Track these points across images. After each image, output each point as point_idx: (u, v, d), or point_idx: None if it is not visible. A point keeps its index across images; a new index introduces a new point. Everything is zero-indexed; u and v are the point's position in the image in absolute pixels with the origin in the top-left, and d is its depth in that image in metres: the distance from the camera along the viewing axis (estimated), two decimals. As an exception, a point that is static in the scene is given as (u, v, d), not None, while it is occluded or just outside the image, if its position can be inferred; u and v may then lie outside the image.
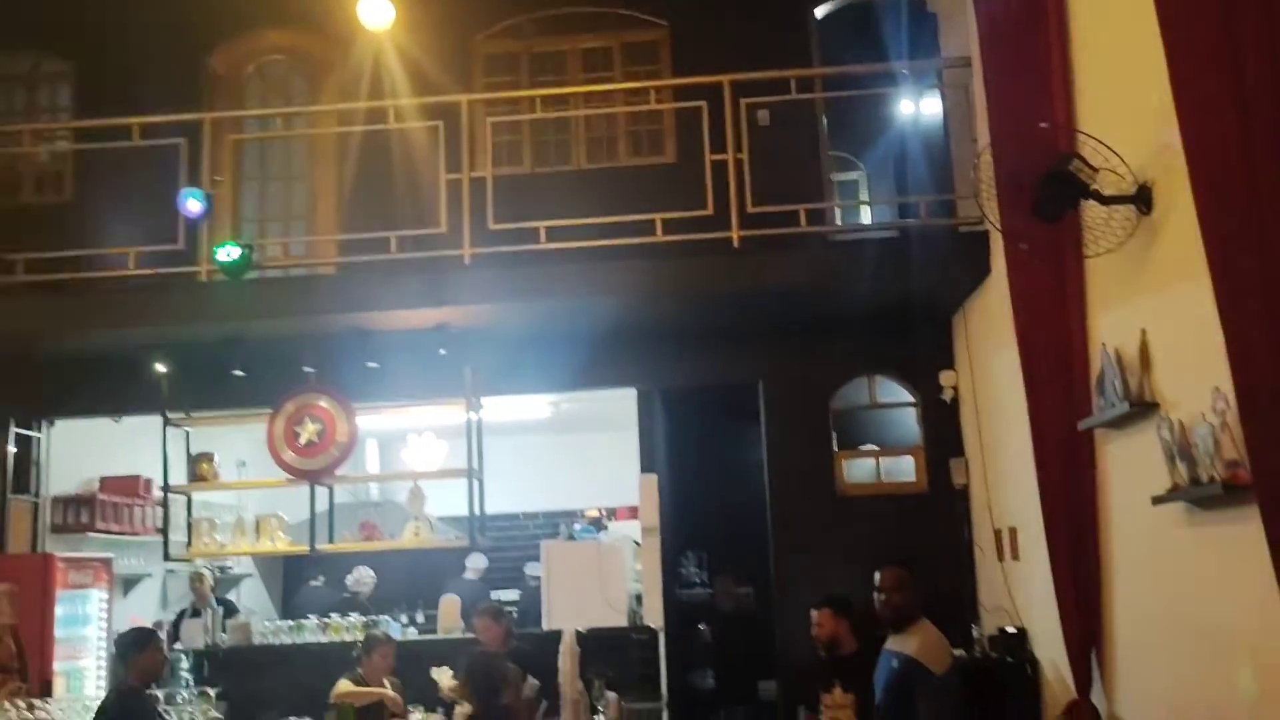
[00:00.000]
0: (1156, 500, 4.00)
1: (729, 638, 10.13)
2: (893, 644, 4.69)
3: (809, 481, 7.37)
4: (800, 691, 6.95)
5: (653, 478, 8.33)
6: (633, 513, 9.24)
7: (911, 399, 7.42)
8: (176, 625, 7.44)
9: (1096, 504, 4.81)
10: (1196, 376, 3.78)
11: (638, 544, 8.51)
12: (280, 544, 6.98)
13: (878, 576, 4.71)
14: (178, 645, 7.19)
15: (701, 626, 10.18)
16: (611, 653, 6.77)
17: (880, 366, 7.44)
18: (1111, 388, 4.44)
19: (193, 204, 6.53)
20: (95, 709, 5.24)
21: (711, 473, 10.60)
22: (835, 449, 7.41)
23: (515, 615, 6.72)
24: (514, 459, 10.26)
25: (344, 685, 5.95)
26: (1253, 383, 3.26)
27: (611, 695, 5.44)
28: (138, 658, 5.11)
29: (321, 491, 7.02)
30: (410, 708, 6.16)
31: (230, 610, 7.90)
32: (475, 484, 6.97)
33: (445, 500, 7.59)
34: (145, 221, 6.95)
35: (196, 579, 7.93)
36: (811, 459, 7.40)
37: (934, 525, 7.09)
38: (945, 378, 7.18)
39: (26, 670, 6.15)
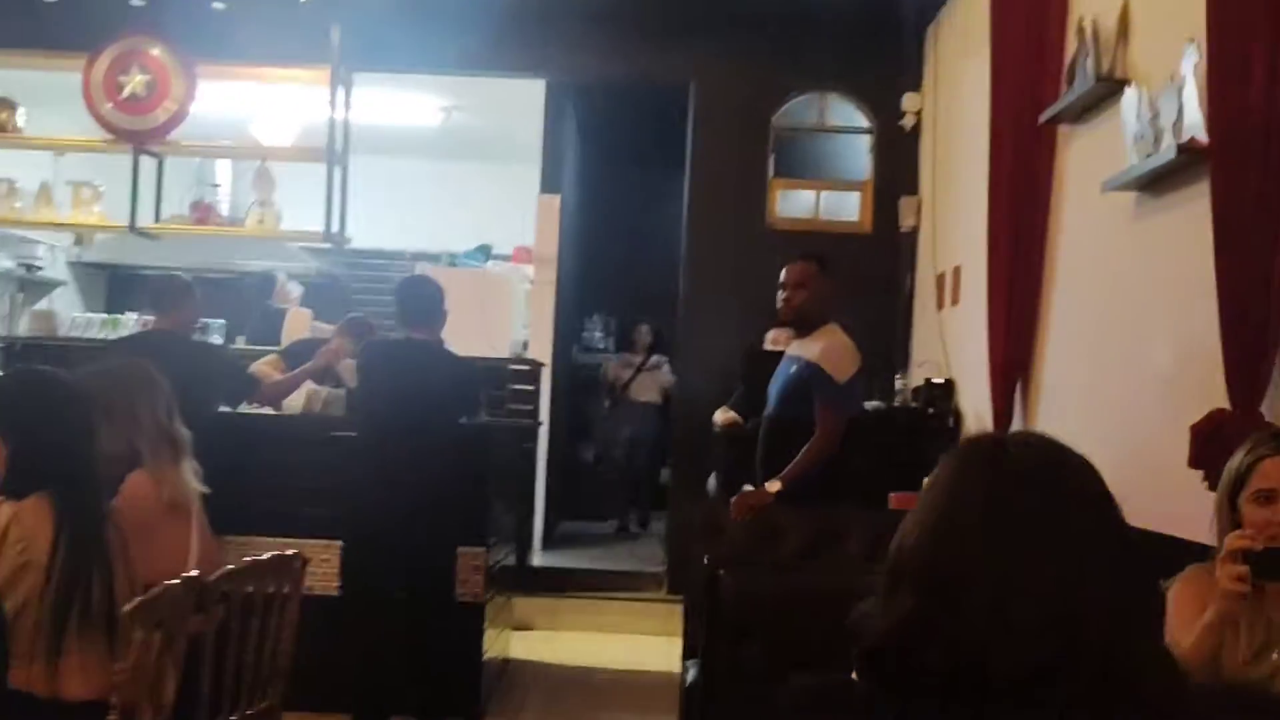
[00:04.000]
0: (1108, 186, 4.19)
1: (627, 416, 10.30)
2: (794, 348, 4.90)
3: (735, 211, 7.54)
4: (696, 480, 7.29)
5: (554, 200, 8.43)
6: (529, 256, 9.30)
7: (866, 124, 7.53)
8: None
9: (1047, 220, 5.02)
10: (1173, 42, 3.91)
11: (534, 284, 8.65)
12: (93, 218, 6.96)
13: (783, 272, 4.88)
14: None
15: (606, 402, 10.42)
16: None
17: (836, 82, 7.51)
18: (1083, 70, 4.57)
19: None
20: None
21: (627, 213, 10.75)
22: (771, 175, 7.54)
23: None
24: (393, 186, 10.27)
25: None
26: (1225, 33, 3.40)
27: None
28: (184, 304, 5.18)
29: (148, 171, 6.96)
30: None
31: None
32: (337, 171, 6.96)
33: (301, 216, 7.49)
34: None
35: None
36: (742, 185, 7.54)
37: (875, 271, 7.32)
38: (909, 101, 7.27)
39: None
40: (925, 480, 1.36)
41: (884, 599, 1.28)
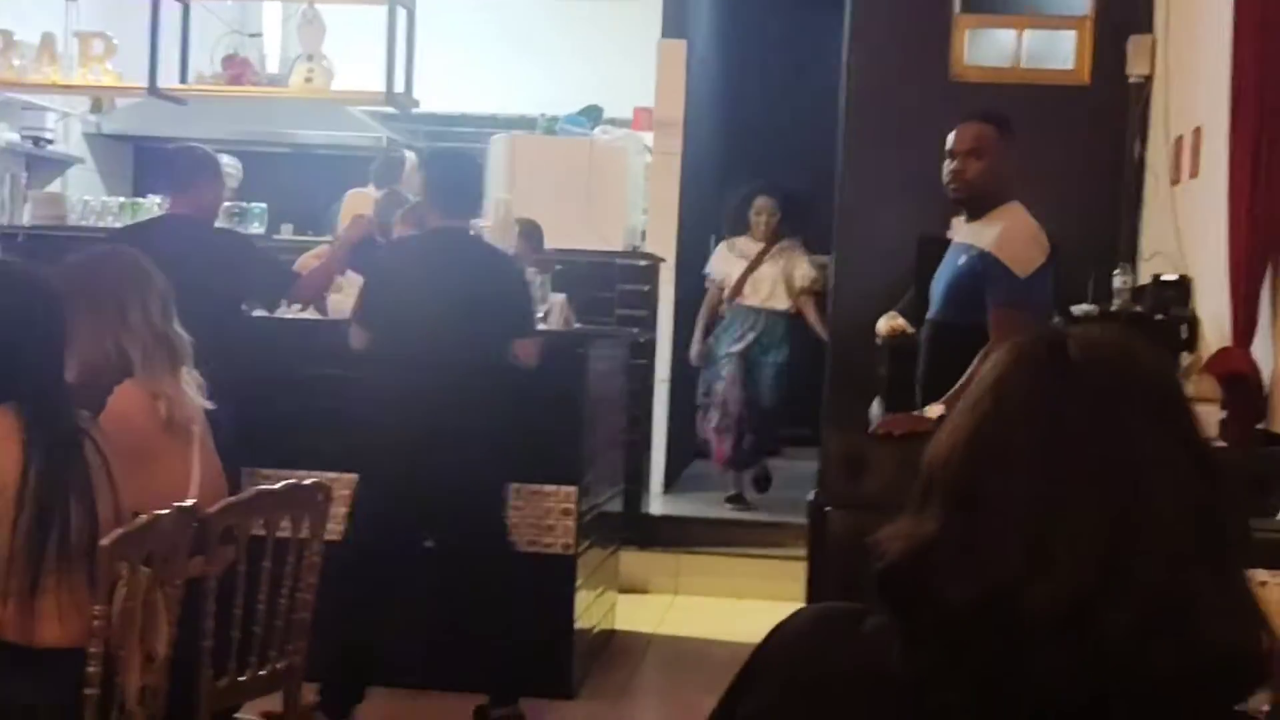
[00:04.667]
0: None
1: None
2: (965, 234, 4.92)
3: (911, 59, 7.55)
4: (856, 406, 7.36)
5: (679, 47, 8.50)
6: (650, 120, 9.36)
7: (1084, -62, 7.46)
8: None
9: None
10: None
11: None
12: (106, 78, 7.27)
13: (951, 137, 4.90)
14: None
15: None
16: (584, 279, 7.16)
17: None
18: None
19: None
20: None
21: (773, 64, 10.75)
22: (957, 10, 7.55)
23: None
24: (478, 35, 10.44)
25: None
26: None
27: (558, 296, 5.83)
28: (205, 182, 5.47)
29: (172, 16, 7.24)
30: None
31: None
32: (401, 12, 7.12)
33: (361, 73, 7.70)
34: None
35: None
36: (919, 24, 7.54)
37: (1093, 135, 7.30)
38: (1141, -99, 7.17)
39: None
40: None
41: (911, 516, 1.37)
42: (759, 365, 8.40)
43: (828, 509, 2.91)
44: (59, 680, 2.69)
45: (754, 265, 8.35)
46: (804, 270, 8.35)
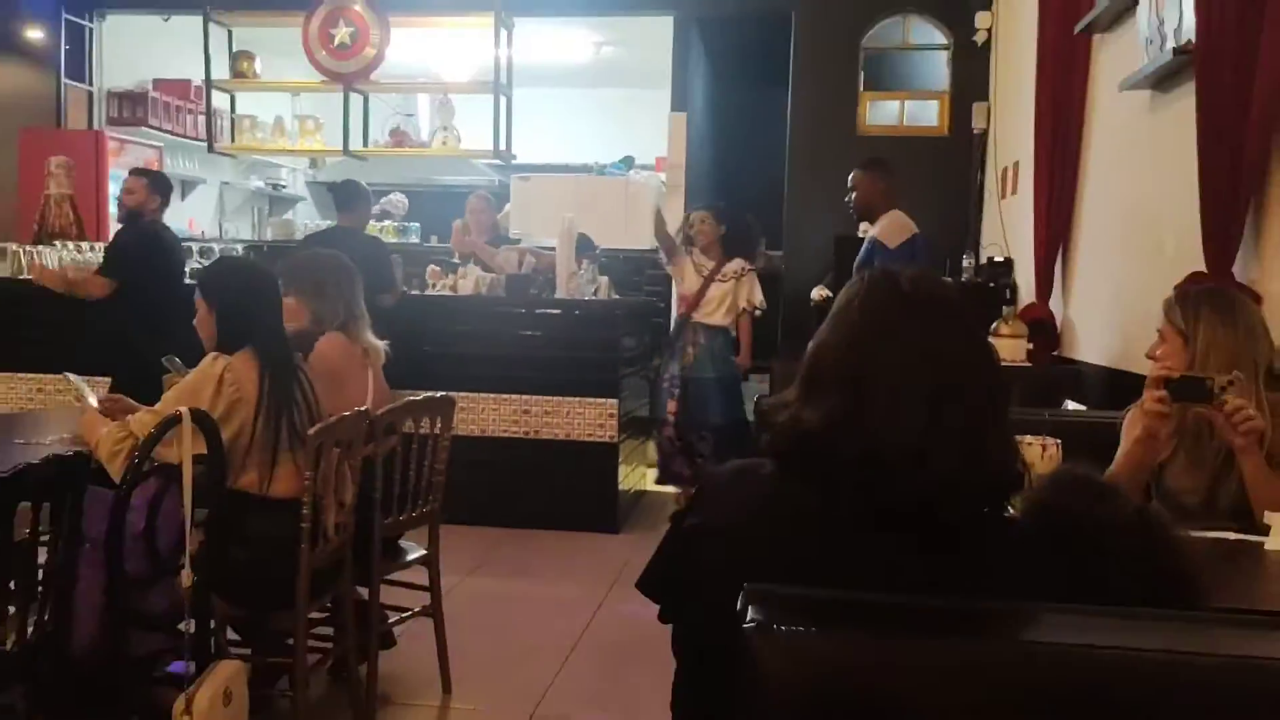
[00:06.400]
0: (1124, 85, 4.09)
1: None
2: (870, 233, 5.00)
3: (830, 121, 7.48)
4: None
5: (682, 117, 8.48)
6: (665, 165, 9.32)
7: (944, 41, 7.34)
8: None
9: (1082, 118, 4.91)
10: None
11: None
12: (317, 144, 7.35)
13: (850, 179, 4.96)
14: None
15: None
16: (623, 267, 7.20)
17: (917, 5, 7.32)
18: (1111, -18, 4.43)
19: None
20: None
21: (742, 125, 10.69)
22: (861, 89, 7.45)
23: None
24: (547, 111, 10.43)
25: None
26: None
27: (604, 278, 5.84)
28: (359, 204, 5.54)
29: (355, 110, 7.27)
30: None
31: None
32: (503, 99, 7.16)
33: (477, 136, 7.73)
34: None
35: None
36: (835, 98, 7.47)
37: (951, 169, 7.22)
38: (980, 19, 7.06)
39: (84, 236, 6.73)
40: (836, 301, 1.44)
41: (803, 400, 1.33)
42: (700, 384, 5.78)
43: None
44: (285, 519, 2.79)
45: (709, 280, 5.81)
46: (758, 295, 5.83)
